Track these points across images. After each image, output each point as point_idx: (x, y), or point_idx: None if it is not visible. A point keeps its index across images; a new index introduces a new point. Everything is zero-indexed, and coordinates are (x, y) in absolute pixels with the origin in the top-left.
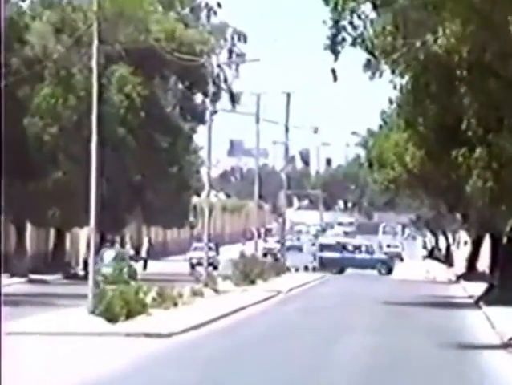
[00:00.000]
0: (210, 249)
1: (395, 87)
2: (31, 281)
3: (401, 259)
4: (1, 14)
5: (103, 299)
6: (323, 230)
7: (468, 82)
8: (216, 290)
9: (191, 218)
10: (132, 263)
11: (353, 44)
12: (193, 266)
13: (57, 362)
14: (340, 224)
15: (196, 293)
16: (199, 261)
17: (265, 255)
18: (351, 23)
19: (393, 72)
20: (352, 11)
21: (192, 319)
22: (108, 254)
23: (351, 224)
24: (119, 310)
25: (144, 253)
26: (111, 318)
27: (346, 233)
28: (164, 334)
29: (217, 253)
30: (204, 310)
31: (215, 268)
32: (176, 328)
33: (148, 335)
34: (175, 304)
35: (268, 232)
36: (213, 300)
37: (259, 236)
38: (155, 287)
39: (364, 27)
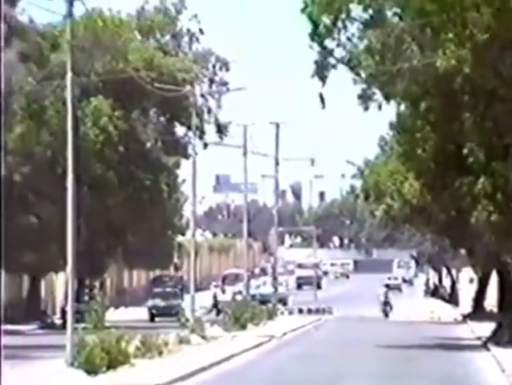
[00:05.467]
0: (175, 295)
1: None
2: (5, 333)
3: (400, 290)
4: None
5: (83, 350)
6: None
7: (471, 107)
8: (204, 337)
9: (175, 259)
10: None
11: (340, 62)
12: (152, 316)
13: None
14: (333, 264)
15: (182, 341)
16: (160, 310)
17: (218, 312)
18: (338, 45)
19: (386, 98)
20: (339, 30)
21: (179, 369)
22: None
23: (343, 265)
24: (99, 361)
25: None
26: (91, 370)
27: (343, 275)
28: None
29: (182, 300)
30: (191, 359)
31: (179, 319)
32: (162, 379)
33: None
34: (160, 353)
35: (262, 271)
36: (201, 347)
37: (250, 277)
38: (138, 335)
39: (352, 48)
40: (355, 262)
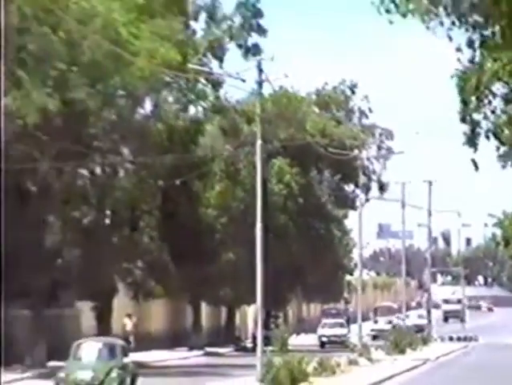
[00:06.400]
0: (341, 325)
1: None
2: (207, 354)
3: None
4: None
5: (270, 369)
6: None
7: None
8: (370, 359)
9: (345, 294)
10: (128, 361)
11: (486, 137)
12: (322, 344)
13: None
14: (477, 298)
15: (352, 363)
16: (328, 338)
17: (374, 338)
18: (484, 118)
19: None
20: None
21: None
22: (87, 350)
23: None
24: (284, 379)
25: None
26: None
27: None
28: None
29: (349, 330)
30: (360, 378)
31: (345, 346)
32: None
33: None
34: (333, 372)
35: (410, 307)
36: (368, 368)
37: (406, 309)
38: (315, 357)
39: (496, 119)
40: (496, 298)
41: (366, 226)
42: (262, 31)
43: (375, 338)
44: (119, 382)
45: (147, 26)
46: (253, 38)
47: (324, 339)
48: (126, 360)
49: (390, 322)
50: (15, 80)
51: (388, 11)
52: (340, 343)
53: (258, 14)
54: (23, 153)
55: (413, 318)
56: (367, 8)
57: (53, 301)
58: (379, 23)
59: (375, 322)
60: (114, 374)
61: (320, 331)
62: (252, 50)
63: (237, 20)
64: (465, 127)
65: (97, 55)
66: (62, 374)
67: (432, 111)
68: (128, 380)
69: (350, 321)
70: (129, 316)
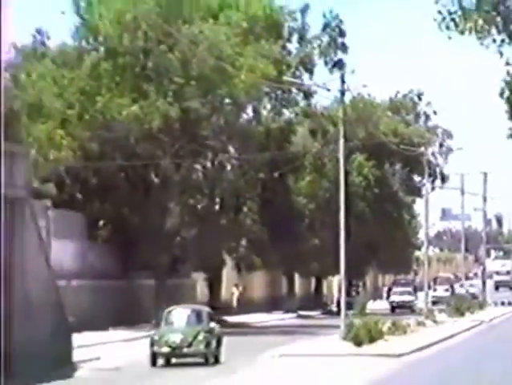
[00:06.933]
0: (409, 293)
1: None
2: (299, 316)
3: None
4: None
5: (351, 329)
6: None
7: None
8: (434, 321)
9: (414, 267)
10: (214, 325)
11: None
12: (393, 308)
13: (324, 374)
14: None
15: (419, 324)
16: (398, 303)
17: (433, 303)
18: None
19: None
20: None
21: (417, 343)
22: (177, 316)
23: None
24: (363, 336)
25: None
26: (358, 343)
27: None
28: (396, 355)
29: (416, 297)
30: (425, 337)
31: (412, 310)
32: (406, 350)
33: (384, 355)
34: (405, 332)
35: (469, 277)
36: (433, 329)
37: (461, 279)
38: (388, 320)
39: None
40: None
41: (431, 210)
42: (344, 48)
43: (434, 303)
44: (206, 343)
45: (250, 47)
46: (338, 55)
47: (394, 304)
48: (212, 325)
49: (447, 290)
50: (142, 92)
51: (447, 28)
52: (408, 308)
53: (342, 33)
54: (149, 152)
55: (467, 287)
56: (430, 26)
57: (173, 272)
58: (440, 39)
59: (434, 290)
60: (201, 336)
61: (391, 298)
62: (337, 65)
63: (325, 39)
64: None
65: (206, 70)
66: (156, 337)
67: (486, 111)
68: (214, 342)
69: (417, 289)
70: (236, 285)
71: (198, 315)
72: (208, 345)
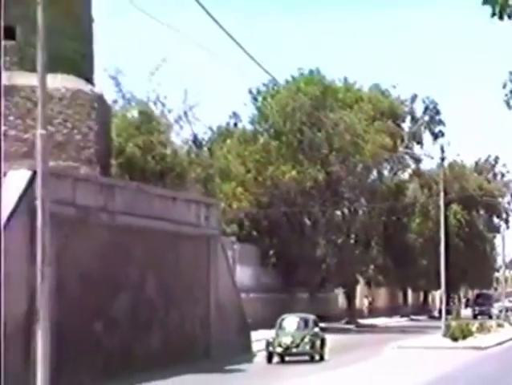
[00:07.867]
0: (487, 304)
1: None
2: (411, 320)
3: None
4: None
5: (450, 329)
6: None
7: None
8: (510, 324)
9: (494, 285)
10: (318, 331)
11: None
12: (475, 315)
13: (430, 359)
14: None
15: (499, 325)
16: (479, 311)
17: (506, 310)
18: None
19: None
20: None
21: (498, 339)
22: (288, 322)
23: None
24: (458, 334)
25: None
26: (454, 339)
27: None
28: (482, 347)
29: (492, 307)
30: (504, 335)
31: (490, 317)
32: (490, 344)
33: (473, 348)
34: (489, 331)
35: None
36: (509, 329)
37: None
38: (476, 322)
39: None
40: None
41: (507, 243)
42: (442, 123)
43: (507, 310)
44: (311, 344)
45: (374, 127)
46: (437, 128)
47: (476, 312)
48: (316, 329)
49: (510, 301)
50: (299, 161)
51: None
52: (486, 314)
53: (438, 112)
54: (303, 203)
55: None
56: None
57: (321, 288)
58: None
59: (510, 301)
60: (306, 339)
61: (474, 308)
62: (437, 136)
63: (426, 118)
64: None
65: (344, 144)
66: (271, 339)
67: None
68: (318, 343)
69: (492, 301)
70: (366, 297)
71: (305, 322)
72: (313, 346)
